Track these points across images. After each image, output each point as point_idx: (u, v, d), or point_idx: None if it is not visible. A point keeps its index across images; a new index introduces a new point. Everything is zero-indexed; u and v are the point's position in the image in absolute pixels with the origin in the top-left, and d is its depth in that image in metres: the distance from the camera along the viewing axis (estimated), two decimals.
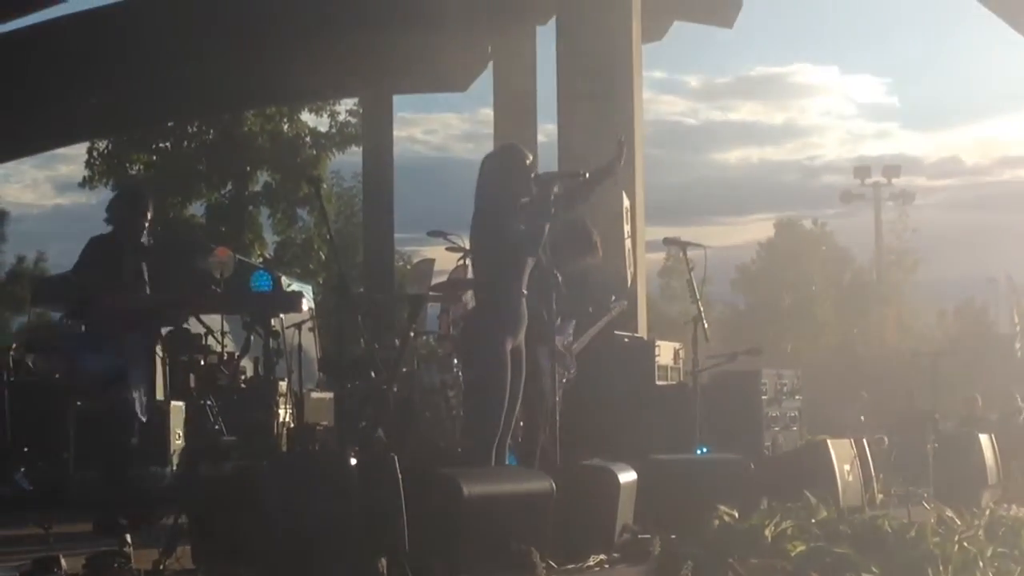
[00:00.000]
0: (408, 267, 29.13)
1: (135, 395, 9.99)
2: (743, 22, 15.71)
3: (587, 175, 9.09)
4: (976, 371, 32.56)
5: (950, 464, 11.28)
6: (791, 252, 48.57)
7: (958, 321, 45.98)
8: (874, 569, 5.43)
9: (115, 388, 9.88)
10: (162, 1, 18.66)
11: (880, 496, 9.86)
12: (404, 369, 12.23)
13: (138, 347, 9.94)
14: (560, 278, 8.87)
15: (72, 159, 38.67)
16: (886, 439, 13.67)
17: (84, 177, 37.92)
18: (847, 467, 9.36)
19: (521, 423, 8.99)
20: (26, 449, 11.82)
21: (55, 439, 10.75)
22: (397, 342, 12.27)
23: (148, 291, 10.12)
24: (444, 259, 13.42)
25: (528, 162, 8.78)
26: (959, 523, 6.69)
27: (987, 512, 7.91)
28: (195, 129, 36.42)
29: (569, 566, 6.99)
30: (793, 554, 5.89)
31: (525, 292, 8.46)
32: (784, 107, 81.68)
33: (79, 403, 11.45)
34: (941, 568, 5.28)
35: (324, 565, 4.87)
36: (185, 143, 36.78)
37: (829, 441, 9.57)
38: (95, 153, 36.55)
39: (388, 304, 16.29)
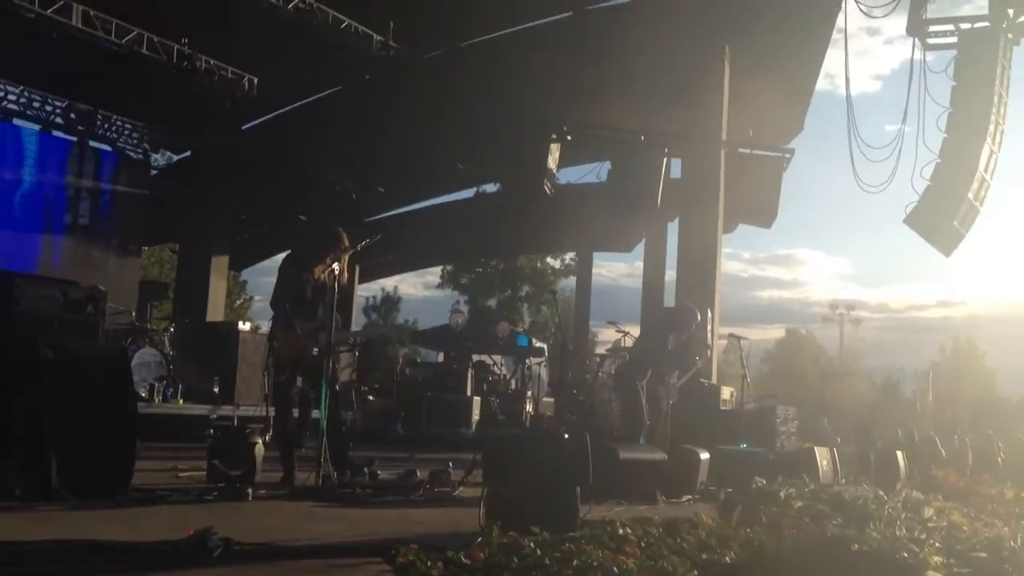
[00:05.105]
0: (593, 338, 28.61)
1: None
2: (777, 225, 15.09)
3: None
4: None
5: (880, 465, 10.39)
6: (793, 353, 45.79)
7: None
8: (838, 519, 5.06)
9: None
10: (484, 206, 19.51)
11: (843, 480, 9.19)
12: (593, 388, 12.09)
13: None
14: (672, 348, 8.64)
15: (433, 272, 40.80)
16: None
17: (440, 282, 39.79)
18: (825, 462, 8.79)
19: (648, 423, 8.69)
20: (402, 414, 11.93)
21: (417, 408, 10.78)
22: (588, 376, 12.15)
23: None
24: (611, 335, 13.24)
25: (692, 316, 9.02)
26: (885, 497, 6.18)
27: (901, 493, 7.26)
28: (494, 262, 37.48)
29: (673, 500, 6.70)
30: (796, 506, 5.55)
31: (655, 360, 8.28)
32: (793, 270, 78.12)
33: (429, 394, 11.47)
34: (875, 521, 4.89)
35: (549, 488, 4.80)
36: (489, 269, 37.98)
37: (815, 448, 8.99)
38: (443, 270, 38.19)
39: (584, 357, 16.10)
